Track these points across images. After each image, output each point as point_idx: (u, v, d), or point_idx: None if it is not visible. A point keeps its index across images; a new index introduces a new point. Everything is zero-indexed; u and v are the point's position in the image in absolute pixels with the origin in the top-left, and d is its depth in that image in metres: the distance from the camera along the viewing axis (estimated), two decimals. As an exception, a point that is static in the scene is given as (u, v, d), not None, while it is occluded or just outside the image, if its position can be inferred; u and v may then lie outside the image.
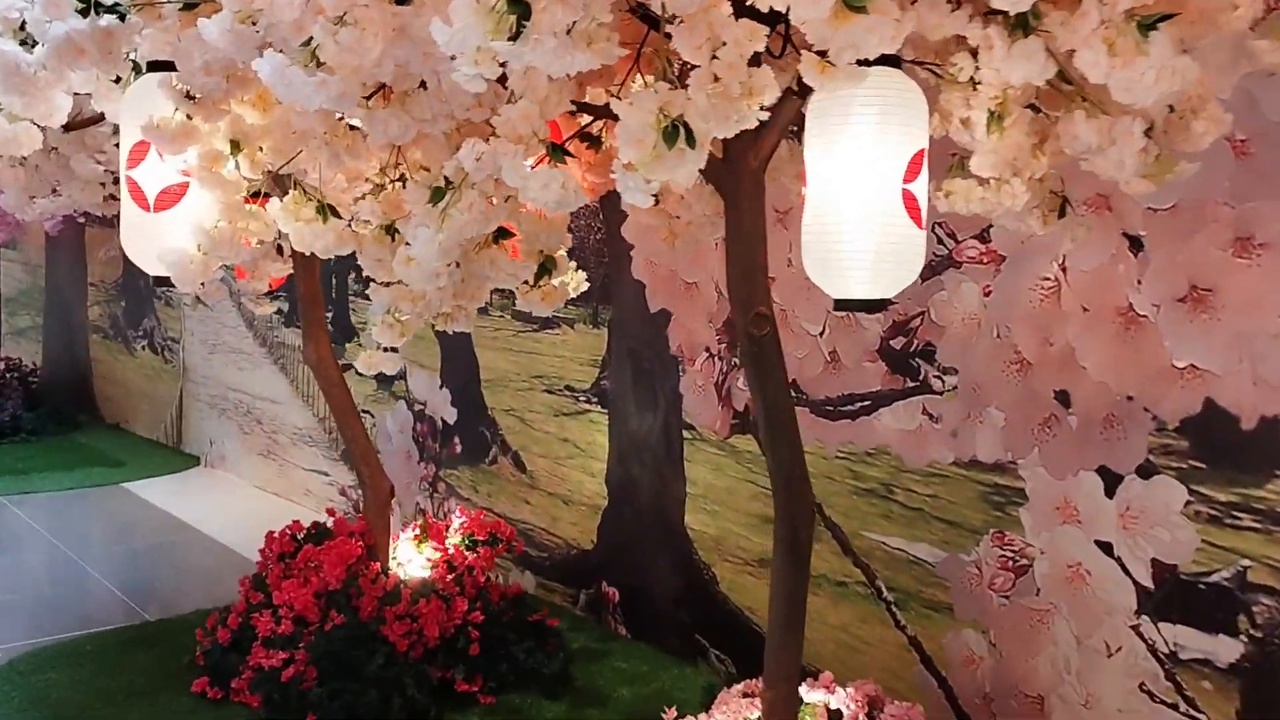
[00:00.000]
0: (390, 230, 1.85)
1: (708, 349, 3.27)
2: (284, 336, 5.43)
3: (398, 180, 1.96)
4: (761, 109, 1.30)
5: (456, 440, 4.36)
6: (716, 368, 3.25)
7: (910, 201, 1.52)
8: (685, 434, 3.36)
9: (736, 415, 3.19)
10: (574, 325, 3.79)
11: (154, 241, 1.77)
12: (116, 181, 2.62)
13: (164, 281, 1.79)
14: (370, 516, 3.26)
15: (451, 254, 1.50)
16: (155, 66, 1.75)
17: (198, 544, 4.62)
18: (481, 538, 3.36)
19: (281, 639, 2.91)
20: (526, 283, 1.82)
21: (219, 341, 5.97)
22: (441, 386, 4.42)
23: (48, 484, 5.51)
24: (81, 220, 6.09)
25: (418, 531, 3.32)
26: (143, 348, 6.76)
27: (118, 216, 1.90)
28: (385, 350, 2.12)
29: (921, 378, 2.69)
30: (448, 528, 3.42)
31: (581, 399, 3.77)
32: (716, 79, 1.26)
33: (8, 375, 6.85)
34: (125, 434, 6.81)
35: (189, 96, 1.67)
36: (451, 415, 4.38)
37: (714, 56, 1.25)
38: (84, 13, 1.47)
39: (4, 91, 1.60)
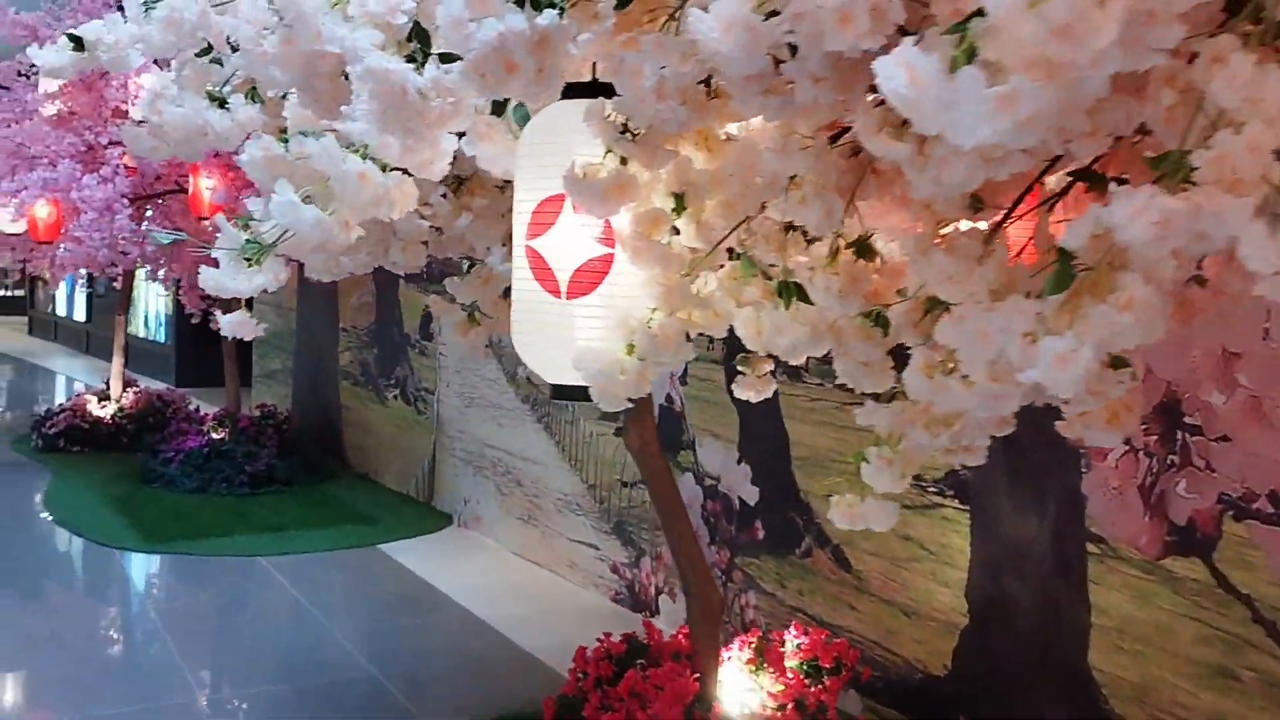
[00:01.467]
0: (877, 318, 1.27)
1: (1128, 441, 2.56)
2: (550, 394, 5.01)
3: (850, 246, 1.38)
4: None
5: (758, 524, 3.77)
6: (1142, 466, 2.54)
7: None
8: (1090, 548, 2.66)
9: (1174, 530, 2.47)
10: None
11: (566, 339, 1.24)
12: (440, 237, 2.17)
13: (574, 393, 1.26)
14: (697, 634, 2.70)
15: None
16: (572, 92, 1.24)
17: (463, 624, 4.20)
18: (827, 664, 2.75)
19: (606, 792, 2.38)
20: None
21: (476, 395, 5.63)
22: (740, 461, 3.85)
23: (304, 543, 5.28)
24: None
25: (752, 654, 2.74)
26: (395, 397, 6.53)
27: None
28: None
29: None
30: (782, 644, 2.83)
31: (931, 490, 3.11)
32: None
33: (263, 423, 6.74)
34: (375, 486, 6.58)
35: (626, 132, 1.15)
36: (752, 495, 3.80)
37: None
38: (522, 4, 0.96)
39: (383, 128, 1.12)
